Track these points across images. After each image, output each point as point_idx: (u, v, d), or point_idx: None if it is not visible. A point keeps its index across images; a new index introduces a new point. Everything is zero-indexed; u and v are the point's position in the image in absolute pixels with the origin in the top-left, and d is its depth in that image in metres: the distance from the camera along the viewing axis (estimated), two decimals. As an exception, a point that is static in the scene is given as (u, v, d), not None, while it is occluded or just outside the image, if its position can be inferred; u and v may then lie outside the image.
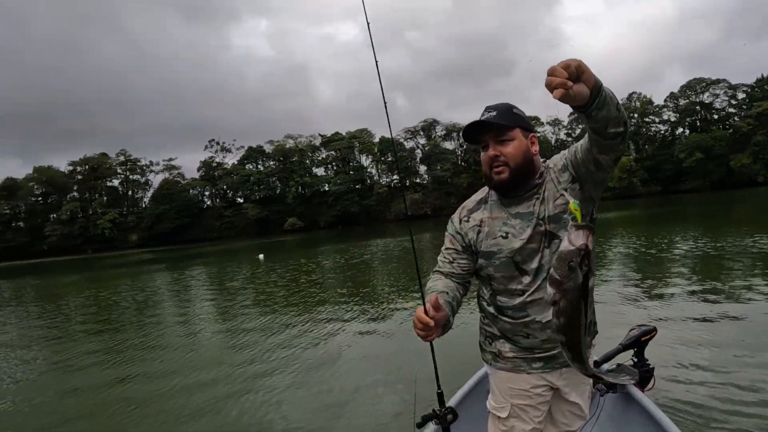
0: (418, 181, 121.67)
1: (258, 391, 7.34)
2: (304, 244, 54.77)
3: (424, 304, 2.33)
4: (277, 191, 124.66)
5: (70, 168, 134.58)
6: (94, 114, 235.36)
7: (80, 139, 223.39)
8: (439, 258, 2.84)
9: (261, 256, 35.02)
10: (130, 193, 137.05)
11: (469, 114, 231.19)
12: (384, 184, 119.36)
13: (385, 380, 7.28)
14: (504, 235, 2.63)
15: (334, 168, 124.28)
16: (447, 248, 2.82)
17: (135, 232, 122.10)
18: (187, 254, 58.39)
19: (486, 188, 2.79)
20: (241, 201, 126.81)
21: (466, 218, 2.78)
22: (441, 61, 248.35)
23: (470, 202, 2.83)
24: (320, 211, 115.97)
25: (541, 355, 2.71)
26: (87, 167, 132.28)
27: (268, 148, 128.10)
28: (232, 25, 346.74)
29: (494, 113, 2.56)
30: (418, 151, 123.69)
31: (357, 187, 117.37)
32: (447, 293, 2.59)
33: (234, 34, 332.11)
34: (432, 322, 2.24)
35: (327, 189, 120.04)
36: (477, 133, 2.62)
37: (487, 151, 2.62)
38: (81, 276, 39.01)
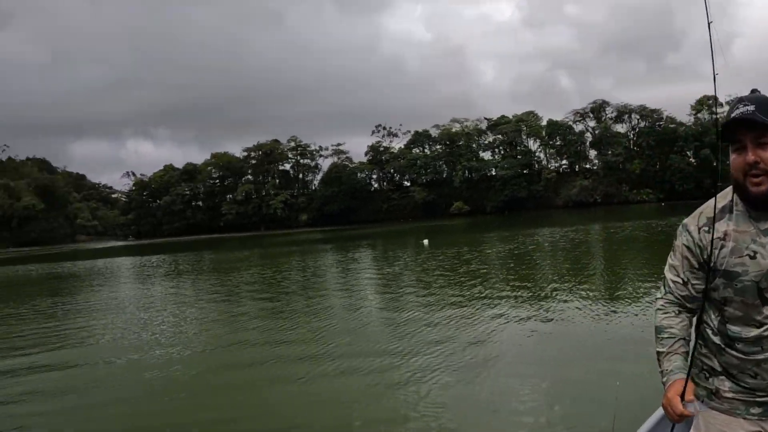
0: (587, 166, 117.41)
1: (421, 383, 7.14)
2: (469, 228, 54.85)
3: (687, 377, 2.20)
4: (444, 175, 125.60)
5: (245, 153, 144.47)
6: (261, 104, 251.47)
7: (250, 128, 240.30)
8: (667, 276, 2.47)
9: (426, 241, 34.73)
10: (300, 176, 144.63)
11: (642, 93, 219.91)
12: (552, 169, 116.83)
13: (557, 391, 6.72)
14: (751, 254, 2.22)
15: (501, 152, 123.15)
16: (678, 264, 2.43)
17: (305, 213, 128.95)
18: (353, 234, 60.31)
19: (727, 192, 2.35)
20: (408, 184, 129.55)
21: (706, 228, 2.35)
22: (606, 35, 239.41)
23: (709, 209, 2.37)
24: (487, 196, 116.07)
25: (763, 399, 2.34)
26: (260, 152, 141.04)
27: (434, 132, 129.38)
28: (387, 12, 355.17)
29: (752, 108, 2.13)
30: (588, 134, 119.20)
31: (524, 171, 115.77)
32: (684, 340, 2.40)
33: (389, 21, 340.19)
34: (685, 415, 2.10)
35: (494, 173, 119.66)
36: (731, 130, 2.21)
37: (743, 154, 2.18)
38: (252, 252, 41.73)
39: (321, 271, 22.45)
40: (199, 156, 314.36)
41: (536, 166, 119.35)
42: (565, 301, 12.20)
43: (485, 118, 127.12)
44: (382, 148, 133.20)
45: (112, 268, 33.44)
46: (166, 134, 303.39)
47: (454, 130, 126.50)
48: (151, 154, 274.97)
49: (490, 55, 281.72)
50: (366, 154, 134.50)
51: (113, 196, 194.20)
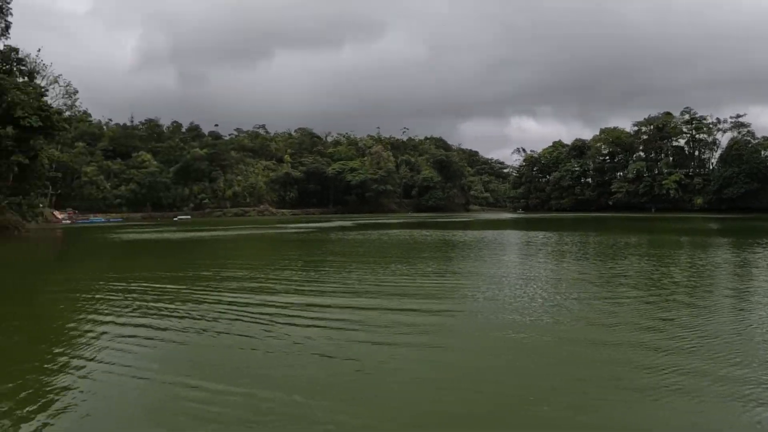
0: None
1: None
2: None
3: None
4: None
5: (635, 128, 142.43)
6: (643, 74, 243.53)
7: (634, 100, 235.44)
8: None
9: None
10: (696, 153, 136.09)
11: None
12: None
13: None
14: None
15: None
16: None
17: (700, 195, 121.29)
18: (756, 227, 53.31)
19: None
20: None
21: None
22: None
23: None
24: None
25: None
26: (651, 127, 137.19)
27: None
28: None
29: None
30: None
31: None
32: None
33: None
34: None
35: None
36: None
37: None
38: (640, 238, 38.59)
39: (711, 270, 19.75)
40: (582, 132, 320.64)
41: None
42: None
43: None
44: None
45: (500, 240, 37.07)
46: (548, 111, 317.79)
47: None
48: (535, 131, 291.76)
49: None
50: None
51: (504, 171, 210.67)
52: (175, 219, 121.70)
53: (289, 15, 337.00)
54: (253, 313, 12.87)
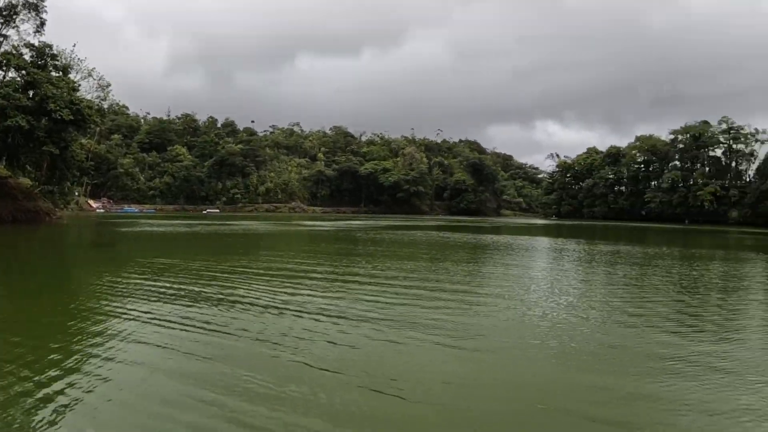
0: None
1: None
2: None
3: None
4: None
5: (672, 137, 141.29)
6: (670, 82, 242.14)
7: (669, 107, 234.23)
8: None
9: None
10: (733, 164, 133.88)
11: None
12: None
13: None
14: None
15: None
16: None
17: (735, 208, 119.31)
18: None
19: None
20: None
21: None
22: None
23: None
24: None
25: None
26: (688, 136, 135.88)
27: None
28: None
29: None
30: None
31: None
32: None
33: None
34: None
35: None
36: None
37: None
38: (670, 250, 37.32)
39: (743, 286, 19.49)
40: (609, 138, 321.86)
41: None
42: None
43: None
44: None
45: (529, 246, 38.24)
46: (573, 116, 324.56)
47: None
48: (563, 136, 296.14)
49: None
50: None
51: (538, 176, 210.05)
52: (204, 212, 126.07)
53: (314, 20, 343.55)
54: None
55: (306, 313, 12.66)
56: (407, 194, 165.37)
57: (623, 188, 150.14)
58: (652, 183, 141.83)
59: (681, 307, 14.69)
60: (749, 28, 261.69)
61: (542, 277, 20.31)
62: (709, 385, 8.05)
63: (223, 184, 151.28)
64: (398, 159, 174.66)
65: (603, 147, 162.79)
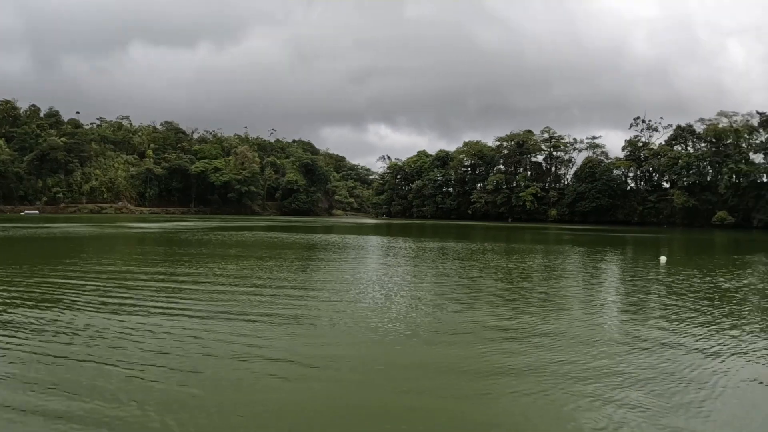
0: None
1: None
2: (735, 246, 49.56)
3: None
4: (708, 178, 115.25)
5: (497, 143, 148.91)
6: (498, 93, 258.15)
7: (490, 116, 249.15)
8: None
9: (663, 259, 29.70)
10: (552, 169, 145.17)
11: None
12: None
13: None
14: None
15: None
16: None
17: (554, 208, 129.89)
18: (601, 237, 58.25)
19: None
20: (668, 186, 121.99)
21: None
22: None
23: None
24: (756, 207, 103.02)
25: None
26: (513, 143, 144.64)
27: (698, 128, 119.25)
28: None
29: None
30: None
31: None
32: None
33: None
34: None
35: (765, 180, 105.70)
36: None
37: None
38: (492, 246, 41.20)
39: (561, 273, 23.18)
40: (439, 143, 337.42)
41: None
42: None
43: (757, 113, 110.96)
44: (640, 144, 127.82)
45: (359, 245, 39.30)
46: (405, 121, 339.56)
47: (720, 125, 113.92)
48: (394, 139, 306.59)
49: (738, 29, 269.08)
50: (623, 149, 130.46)
51: (370, 177, 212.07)
52: (23, 213, 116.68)
53: (151, 6, 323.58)
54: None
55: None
56: (238, 194, 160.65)
57: (451, 189, 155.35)
58: (478, 185, 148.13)
59: (502, 293, 17.10)
60: (572, 49, 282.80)
61: (370, 273, 21.68)
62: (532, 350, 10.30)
63: (44, 182, 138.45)
64: (230, 158, 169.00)
65: (433, 151, 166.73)
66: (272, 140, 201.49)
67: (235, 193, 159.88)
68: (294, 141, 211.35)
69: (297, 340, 10.91)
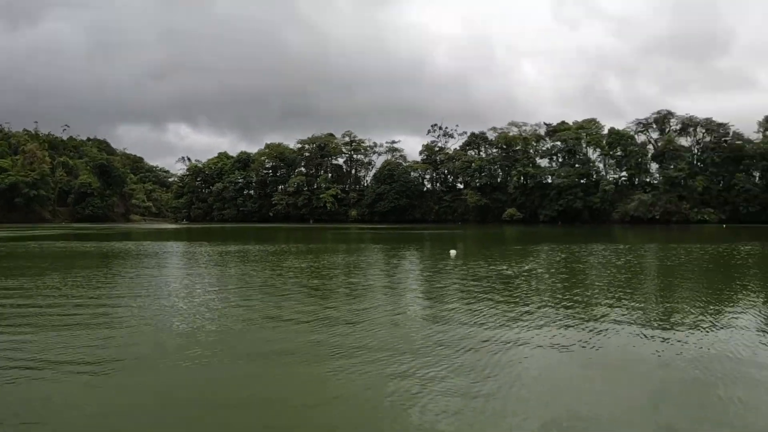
0: (648, 180, 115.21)
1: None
2: (521, 238, 53.12)
3: None
4: (498, 180, 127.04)
5: (299, 145, 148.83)
6: (301, 97, 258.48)
7: (294, 119, 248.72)
8: None
9: (453, 251, 30.01)
10: (353, 171, 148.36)
11: (695, 101, 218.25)
12: (611, 181, 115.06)
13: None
14: None
15: (559, 160, 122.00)
16: None
17: (355, 208, 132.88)
18: (399, 235, 60.23)
19: None
20: (461, 187, 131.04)
21: None
22: (649, 34, 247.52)
23: None
24: (541, 204, 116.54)
25: None
26: (314, 145, 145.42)
27: (491, 135, 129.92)
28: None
29: None
30: (650, 146, 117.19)
31: (581, 181, 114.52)
32: None
33: (409, 10, 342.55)
34: None
35: (550, 181, 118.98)
36: None
37: None
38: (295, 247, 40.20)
39: (366, 268, 23.19)
40: (240, 144, 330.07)
41: (594, 176, 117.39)
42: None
43: (545, 123, 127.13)
44: (437, 149, 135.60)
45: (157, 252, 34.73)
46: (206, 121, 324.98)
47: (511, 134, 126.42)
48: (195, 139, 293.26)
49: (526, 51, 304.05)
50: (420, 153, 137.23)
51: (169, 180, 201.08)
52: None
53: None
54: None
55: None
56: (26, 199, 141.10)
57: (252, 192, 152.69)
58: (280, 187, 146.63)
59: (308, 290, 16.61)
60: (378, 58, 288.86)
61: (167, 280, 19.36)
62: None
63: None
64: (18, 158, 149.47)
65: (234, 152, 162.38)
66: (65, 137, 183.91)
67: (22, 198, 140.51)
68: (89, 139, 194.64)
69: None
